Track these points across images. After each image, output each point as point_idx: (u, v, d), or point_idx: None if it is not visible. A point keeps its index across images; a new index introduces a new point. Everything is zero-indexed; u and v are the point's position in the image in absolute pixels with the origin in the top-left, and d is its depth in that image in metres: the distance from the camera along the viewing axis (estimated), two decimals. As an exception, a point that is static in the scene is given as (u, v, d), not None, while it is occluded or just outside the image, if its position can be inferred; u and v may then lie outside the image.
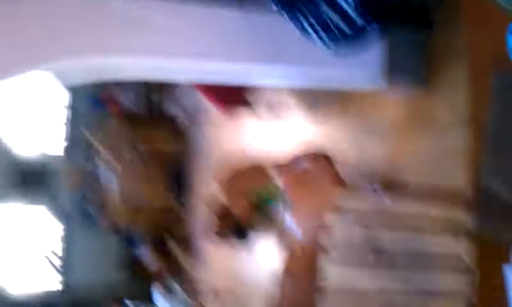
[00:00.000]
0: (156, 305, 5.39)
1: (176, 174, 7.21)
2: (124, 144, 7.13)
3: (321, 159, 1.16)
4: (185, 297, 4.99)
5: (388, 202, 1.21)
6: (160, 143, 7.29)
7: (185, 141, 7.34)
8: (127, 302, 5.63)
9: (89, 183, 7.78)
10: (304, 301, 1.04)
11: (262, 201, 2.68)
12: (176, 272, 7.00)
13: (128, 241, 7.94)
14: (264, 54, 2.49)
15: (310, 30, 2.32)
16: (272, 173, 2.80)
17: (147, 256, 7.23)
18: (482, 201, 1.25)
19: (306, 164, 1.17)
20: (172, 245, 6.88)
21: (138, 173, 7.24)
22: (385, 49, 2.53)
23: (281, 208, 2.60)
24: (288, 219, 2.34)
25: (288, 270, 1.10)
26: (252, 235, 2.73)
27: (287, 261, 1.10)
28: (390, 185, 1.21)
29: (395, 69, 2.57)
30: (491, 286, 1.34)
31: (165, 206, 7.74)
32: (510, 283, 1.27)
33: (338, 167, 1.19)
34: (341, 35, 2.29)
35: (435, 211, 1.37)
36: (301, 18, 2.32)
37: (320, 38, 2.31)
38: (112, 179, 7.33)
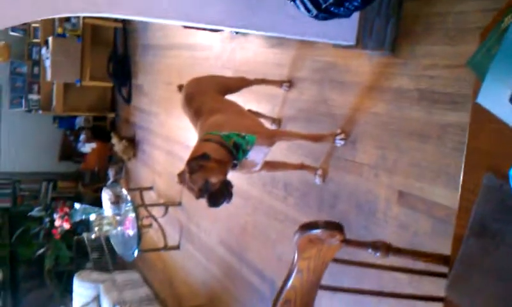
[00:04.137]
0: (103, 209, 5.46)
1: (118, 63, 6.95)
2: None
3: (337, 232, 1.21)
4: (131, 202, 5.09)
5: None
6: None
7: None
8: (75, 204, 5.66)
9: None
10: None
11: (235, 144, 2.63)
12: (116, 167, 7.04)
13: (68, 128, 7.76)
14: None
15: (293, -6, 2.29)
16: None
17: (87, 147, 7.14)
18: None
19: (321, 233, 1.22)
20: (115, 140, 6.82)
21: (72, 46, 6.93)
22: (360, 12, 2.56)
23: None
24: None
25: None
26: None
27: None
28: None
29: (365, 31, 2.62)
30: None
31: (104, 93, 7.54)
32: None
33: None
34: (323, 1, 2.28)
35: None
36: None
37: (302, 2, 2.29)
38: (46, 53, 6.99)
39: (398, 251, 1.28)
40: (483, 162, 1.18)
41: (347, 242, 1.24)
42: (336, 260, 1.31)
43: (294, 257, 1.26)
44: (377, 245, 1.28)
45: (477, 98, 1.14)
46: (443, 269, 1.34)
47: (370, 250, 1.28)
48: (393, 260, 1.36)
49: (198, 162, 2.36)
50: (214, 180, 2.38)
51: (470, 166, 1.21)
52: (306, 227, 1.21)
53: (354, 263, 1.34)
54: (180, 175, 2.48)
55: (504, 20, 1.09)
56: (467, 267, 1.21)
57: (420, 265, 1.41)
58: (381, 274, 2.60)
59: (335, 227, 1.20)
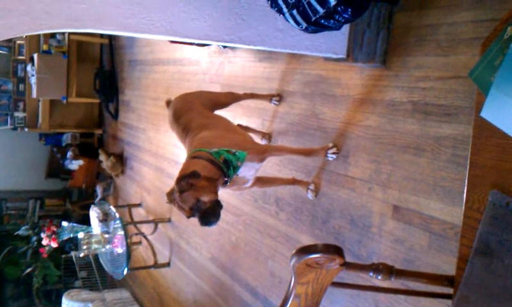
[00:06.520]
0: (91, 227, 5.36)
1: (105, 79, 6.88)
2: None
3: (336, 256, 1.14)
4: (120, 219, 5.00)
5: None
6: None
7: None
8: (63, 223, 5.56)
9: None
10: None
11: (225, 161, 2.54)
12: (104, 184, 6.95)
13: (55, 145, 7.65)
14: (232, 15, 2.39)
15: (282, 6, 2.25)
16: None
17: (75, 164, 7.05)
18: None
19: (320, 257, 1.15)
20: (102, 157, 6.72)
21: (58, 63, 6.85)
22: (350, 24, 2.53)
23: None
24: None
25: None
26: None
27: None
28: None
29: (356, 44, 2.59)
30: None
31: (91, 109, 7.45)
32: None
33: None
34: (313, 14, 2.25)
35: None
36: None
37: (292, 15, 2.26)
38: (31, 70, 6.91)
39: (401, 273, 1.22)
40: (487, 178, 1.13)
41: (347, 265, 1.18)
42: (334, 284, 1.25)
43: (290, 281, 1.19)
44: (379, 268, 1.22)
45: (481, 111, 1.09)
46: (445, 290, 1.28)
47: (371, 273, 1.21)
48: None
49: (187, 180, 2.29)
50: (205, 198, 2.31)
51: (473, 183, 1.16)
52: (304, 251, 1.15)
53: (354, 287, 1.28)
54: (169, 194, 2.41)
55: (507, 30, 1.05)
56: (473, 289, 1.15)
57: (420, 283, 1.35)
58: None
59: (334, 250, 1.14)
